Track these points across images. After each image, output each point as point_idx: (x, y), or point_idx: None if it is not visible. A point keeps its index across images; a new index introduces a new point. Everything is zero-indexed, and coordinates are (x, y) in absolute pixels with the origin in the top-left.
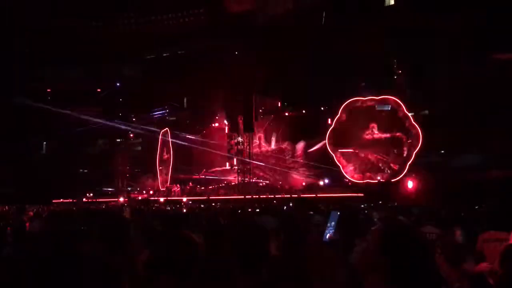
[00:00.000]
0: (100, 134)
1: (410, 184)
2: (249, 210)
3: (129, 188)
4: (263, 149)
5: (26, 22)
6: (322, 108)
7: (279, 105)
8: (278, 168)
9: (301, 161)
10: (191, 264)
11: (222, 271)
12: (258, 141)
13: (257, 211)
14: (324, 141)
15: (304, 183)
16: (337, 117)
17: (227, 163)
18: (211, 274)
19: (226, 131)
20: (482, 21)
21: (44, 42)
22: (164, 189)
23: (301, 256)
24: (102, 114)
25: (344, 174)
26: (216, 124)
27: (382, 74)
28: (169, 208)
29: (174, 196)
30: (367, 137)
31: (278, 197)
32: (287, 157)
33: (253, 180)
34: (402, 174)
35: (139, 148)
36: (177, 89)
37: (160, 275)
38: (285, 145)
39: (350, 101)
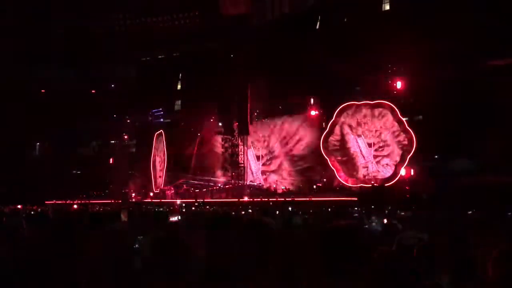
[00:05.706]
0: (94, 135)
1: (403, 189)
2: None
3: (123, 190)
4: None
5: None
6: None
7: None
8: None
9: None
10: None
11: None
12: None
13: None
14: None
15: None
16: (331, 121)
17: (221, 166)
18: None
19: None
20: (477, 26)
21: (39, 42)
22: (158, 191)
23: None
24: (96, 115)
25: (338, 178)
26: (211, 127)
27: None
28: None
29: (168, 199)
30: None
31: (273, 200)
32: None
33: (247, 183)
34: (396, 179)
35: (134, 150)
36: (172, 91)
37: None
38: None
39: (344, 105)
